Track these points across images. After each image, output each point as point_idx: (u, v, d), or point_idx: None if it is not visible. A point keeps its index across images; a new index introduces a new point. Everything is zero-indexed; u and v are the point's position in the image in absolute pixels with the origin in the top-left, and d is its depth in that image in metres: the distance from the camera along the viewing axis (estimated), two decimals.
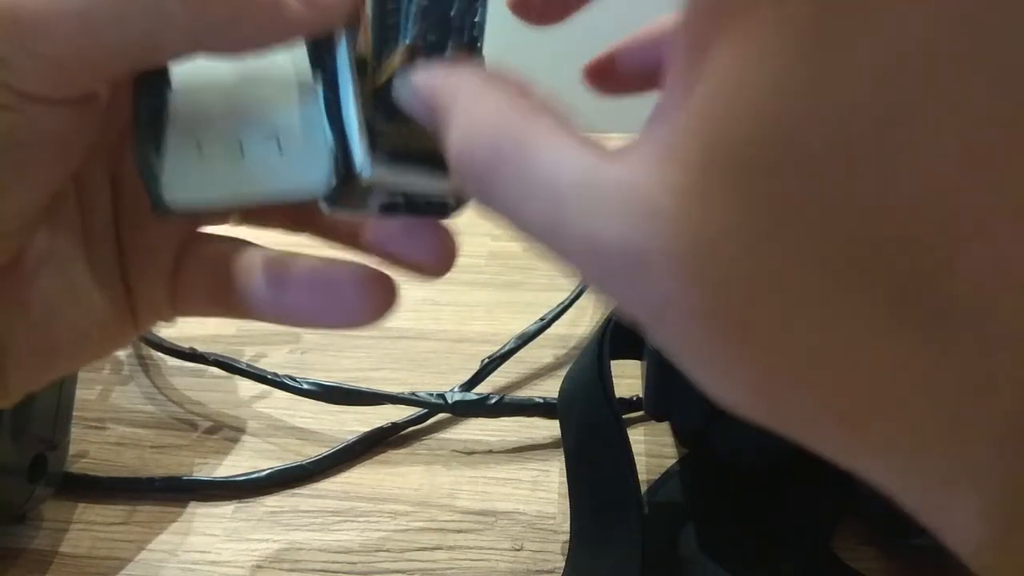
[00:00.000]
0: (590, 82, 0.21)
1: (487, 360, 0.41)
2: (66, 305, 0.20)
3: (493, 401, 0.38)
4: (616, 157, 0.13)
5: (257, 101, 0.19)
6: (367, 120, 0.17)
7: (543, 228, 0.14)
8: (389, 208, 0.19)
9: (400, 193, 0.19)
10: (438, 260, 0.21)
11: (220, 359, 0.41)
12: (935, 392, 0.11)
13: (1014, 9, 0.09)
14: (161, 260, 0.21)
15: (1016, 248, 0.10)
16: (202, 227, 0.22)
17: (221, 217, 0.22)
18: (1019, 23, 0.09)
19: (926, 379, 0.11)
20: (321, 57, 0.18)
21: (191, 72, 0.19)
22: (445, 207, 0.20)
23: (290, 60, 0.19)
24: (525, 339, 0.42)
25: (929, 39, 0.10)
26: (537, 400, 0.38)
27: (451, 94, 0.16)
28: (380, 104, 0.17)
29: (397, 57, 0.17)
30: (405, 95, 0.17)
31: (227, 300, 0.22)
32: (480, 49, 0.18)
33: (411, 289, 0.47)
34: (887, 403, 0.11)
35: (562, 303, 0.44)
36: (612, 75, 0.21)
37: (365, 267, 0.21)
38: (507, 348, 0.42)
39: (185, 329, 0.45)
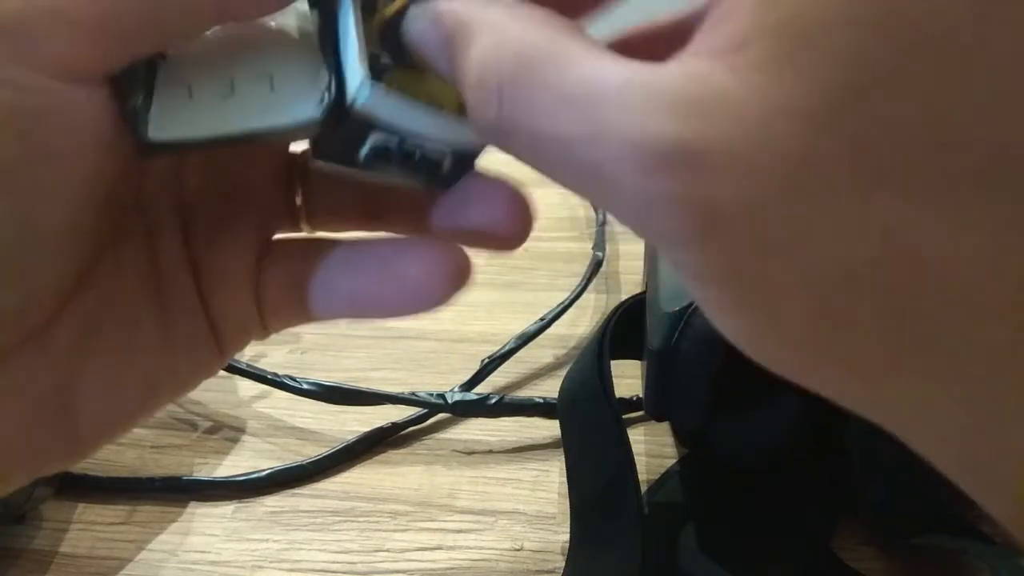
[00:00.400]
0: None
1: (487, 360, 0.41)
2: (137, 353, 0.18)
3: (493, 401, 0.38)
4: (664, 63, 0.12)
5: (253, 42, 0.18)
6: (369, 52, 0.16)
7: (578, 138, 0.12)
8: (378, 156, 0.18)
9: (393, 134, 0.17)
10: (510, 221, 0.19)
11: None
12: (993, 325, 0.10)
13: None
14: (240, 276, 0.20)
15: None
16: (275, 235, 0.21)
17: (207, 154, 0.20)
18: None
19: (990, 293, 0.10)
20: None
21: None
22: (439, 167, 0.18)
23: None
24: (525, 339, 0.42)
25: None
26: (537, 400, 0.38)
27: (476, 16, 0.14)
28: (387, 39, 0.16)
29: None
30: (420, 24, 0.16)
31: (312, 304, 0.20)
32: None
33: None
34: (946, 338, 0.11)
35: (562, 303, 0.44)
36: None
37: (431, 243, 0.19)
38: (507, 348, 0.42)
39: None
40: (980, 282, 0.10)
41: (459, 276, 0.19)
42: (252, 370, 0.40)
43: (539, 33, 0.13)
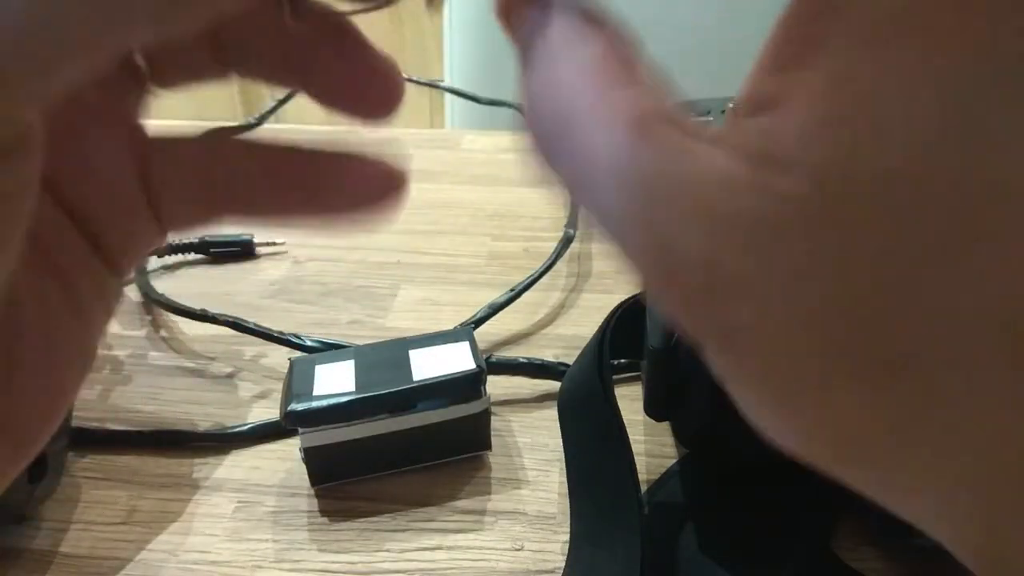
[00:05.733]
0: None
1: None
2: (58, 343, 0.17)
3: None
4: (706, 147, 0.11)
5: None
6: None
7: (607, 215, 0.12)
8: None
9: None
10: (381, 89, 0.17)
11: (230, 319, 0.43)
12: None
13: None
14: (122, 196, 0.18)
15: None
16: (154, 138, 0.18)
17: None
18: None
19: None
20: None
21: None
22: None
23: None
24: (495, 308, 0.44)
25: None
26: (522, 360, 0.40)
27: (536, 33, 0.14)
28: None
29: None
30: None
31: (218, 203, 0.18)
32: None
33: (411, 289, 0.48)
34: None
35: (531, 275, 0.46)
36: None
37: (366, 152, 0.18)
38: (479, 316, 0.43)
39: (186, 329, 0.45)
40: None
41: (397, 185, 0.18)
42: (260, 329, 0.43)
43: (585, 82, 0.13)
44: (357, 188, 0.18)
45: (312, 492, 0.36)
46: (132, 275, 0.49)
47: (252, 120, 0.64)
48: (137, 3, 0.12)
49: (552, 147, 0.13)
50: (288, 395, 0.34)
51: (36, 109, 0.13)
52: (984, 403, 0.10)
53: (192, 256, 0.52)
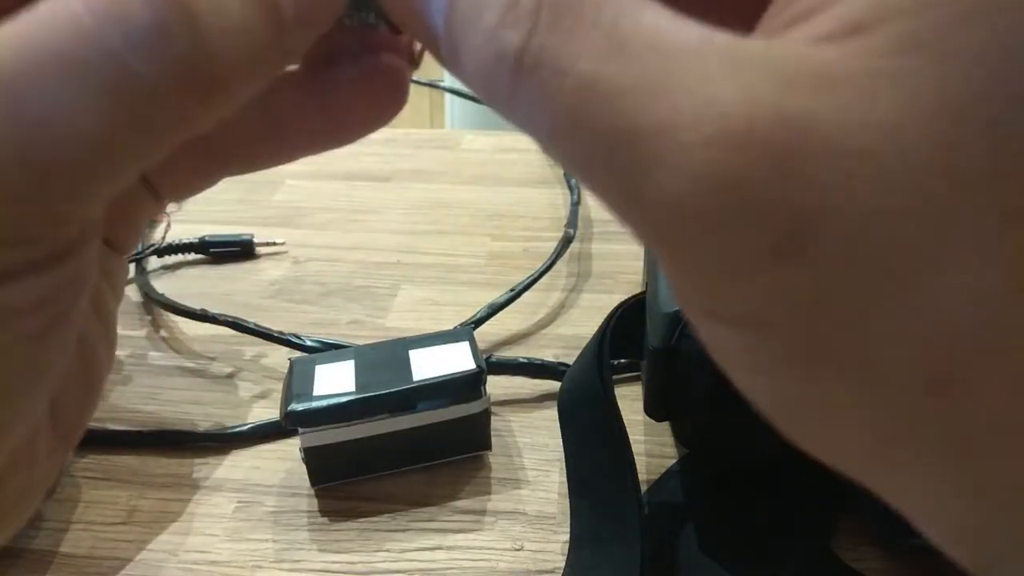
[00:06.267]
0: None
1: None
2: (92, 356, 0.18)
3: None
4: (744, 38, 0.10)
5: None
6: None
7: (628, 89, 0.10)
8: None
9: None
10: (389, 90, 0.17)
11: (230, 319, 0.43)
12: None
13: None
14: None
15: None
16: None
17: None
18: None
19: None
20: None
21: None
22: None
23: None
24: (495, 308, 0.44)
25: None
26: (521, 360, 0.40)
27: None
28: None
29: None
30: None
31: (216, 163, 0.18)
32: None
33: (411, 289, 0.48)
34: None
35: (531, 275, 0.46)
36: None
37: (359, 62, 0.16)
38: (478, 316, 0.43)
39: (186, 329, 0.45)
40: None
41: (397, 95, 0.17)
42: (260, 329, 0.43)
43: None
44: (359, 93, 0.17)
45: (312, 492, 0.36)
46: (132, 275, 0.49)
47: None
48: (200, 111, 0.13)
49: (550, 28, 0.11)
50: (288, 395, 0.34)
51: (103, 207, 0.14)
52: None
53: (192, 256, 0.52)
